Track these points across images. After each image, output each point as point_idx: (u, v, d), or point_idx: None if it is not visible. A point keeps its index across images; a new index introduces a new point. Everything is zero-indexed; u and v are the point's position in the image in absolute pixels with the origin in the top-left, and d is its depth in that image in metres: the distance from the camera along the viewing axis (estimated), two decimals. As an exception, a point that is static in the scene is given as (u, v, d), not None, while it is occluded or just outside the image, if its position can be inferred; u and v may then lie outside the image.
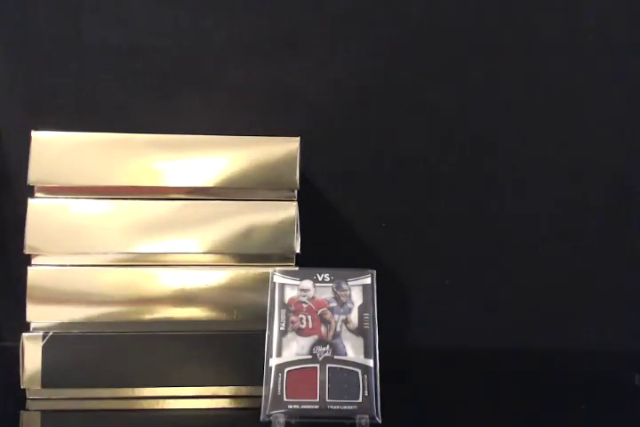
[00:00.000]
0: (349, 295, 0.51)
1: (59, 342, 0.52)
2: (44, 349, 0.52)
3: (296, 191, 0.56)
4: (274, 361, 0.49)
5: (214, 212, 0.54)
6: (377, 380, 0.49)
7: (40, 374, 0.52)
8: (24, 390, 0.53)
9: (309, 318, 0.50)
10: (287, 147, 0.55)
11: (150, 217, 0.53)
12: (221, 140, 0.55)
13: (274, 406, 0.47)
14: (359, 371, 0.49)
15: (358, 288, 0.52)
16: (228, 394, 0.54)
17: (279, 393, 0.48)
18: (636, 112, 0.70)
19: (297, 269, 0.53)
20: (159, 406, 0.53)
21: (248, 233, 0.54)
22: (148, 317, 0.53)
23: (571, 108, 0.70)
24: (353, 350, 0.49)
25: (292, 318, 0.50)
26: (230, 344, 0.54)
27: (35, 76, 0.66)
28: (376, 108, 0.69)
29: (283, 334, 0.50)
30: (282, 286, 0.51)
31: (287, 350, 0.49)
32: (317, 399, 0.48)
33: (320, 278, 0.52)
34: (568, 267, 0.70)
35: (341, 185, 0.69)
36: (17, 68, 0.66)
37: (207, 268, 0.54)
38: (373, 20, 0.68)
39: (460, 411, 0.54)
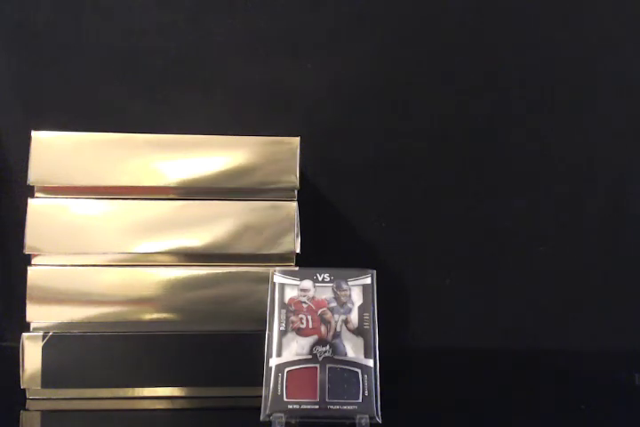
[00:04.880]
0: (349, 295, 0.51)
1: (59, 342, 0.52)
2: (44, 349, 0.52)
3: (296, 191, 0.56)
4: (274, 361, 0.49)
5: (214, 212, 0.54)
6: (377, 380, 0.49)
7: (40, 374, 0.52)
8: (24, 390, 0.53)
9: (309, 318, 0.50)
10: (287, 147, 0.55)
11: (150, 217, 0.53)
12: (221, 140, 0.55)
13: (274, 407, 0.47)
14: (359, 371, 0.49)
15: (358, 288, 0.52)
16: (227, 394, 0.54)
17: (279, 393, 0.48)
18: (636, 112, 0.70)
19: (297, 269, 0.53)
20: (159, 407, 0.53)
21: (248, 233, 0.54)
22: (147, 317, 0.53)
23: (571, 108, 0.70)
24: (353, 350, 0.49)
25: (292, 318, 0.50)
26: (230, 344, 0.54)
27: (35, 76, 0.66)
28: (376, 108, 0.69)
29: (283, 334, 0.50)
30: (282, 286, 0.51)
31: (287, 350, 0.49)
32: (317, 399, 0.48)
33: (320, 278, 0.52)
34: (568, 267, 0.70)
35: (341, 185, 0.69)
36: (17, 68, 0.66)
37: (207, 268, 0.54)
38: (373, 20, 0.68)
39: (460, 411, 0.54)
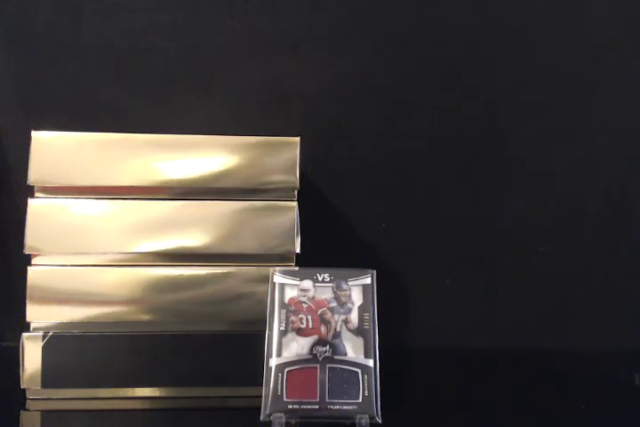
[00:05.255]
0: (349, 295, 0.51)
1: (59, 342, 0.52)
2: (44, 349, 0.52)
3: (296, 191, 0.56)
4: (274, 361, 0.49)
5: (214, 212, 0.54)
6: (377, 380, 0.49)
7: (40, 374, 0.52)
8: (24, 390, 0.53)
9: (309, 318, 0.50)
10: (287, 147, 0.55)
11: (150, 217, 0.53)
12: (221, 140, 0.55)
13: (274, 407, 0.47)
14: (359, 371, 0.49)
15: (358, 288, 0.52)
16: (228, 394, 0.54)
17: (279, 393, 0.48)
18: (636, 112, 0.70)
19: (297, 269, 0.53)
20: (159, 406, 0.53)
21: (248, 233, 0.54)
22: (147, 317, 0.53)
23: (571, 109, 0.70)
24: (353, 350, 0.49)
25: (292, 318, 0.50)
26: (230, 344, 0.54)
27: (35, 76, 0.66)
28: (376, 108, 0.69)
29: (283, 334, 0.50)
30: (282, 286, 0.51)
31: (287, 350, 0.49)
32: (317, 399, 0.48)
33: (320, 278, 0.52)
34: (568, 267, 0.70)
35: (341, 185, 0.69)
36: (17, 68, 0.66)
37: (207, 268, 0.54)
38: (373, 19, 0.68)
39: (459, 411, 0.54)
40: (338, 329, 0.50)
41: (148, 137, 0.54)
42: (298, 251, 0.54)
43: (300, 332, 0.50)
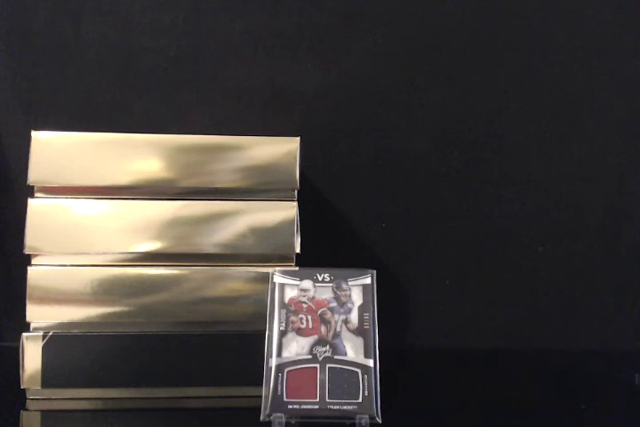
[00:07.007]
0: (349, 295, 0.51)
1: (59, 342, 0.52)
2: (44, 349, 0.52)
3: (296, 191, 0.56)
4: (274, 361, 0.49)
5: (214, 212, 0.54)
6: (377, 380, 0.49)
7: (40, 374, 0.52)
8: (24, 390, 0.53)
9: (309, 318, 0.50)
10: (287, 147, 0.55)
11: (150, 217, 0.53)
12: (221, 140, 0.55)
13: (274, 407, 0.47)
14: (359, 371, 0.49)
15: (358, 288, 0.52)
16: (227, 394, 0.54)
17: (279, 393, 0.48)
18: (636, 112, 0.70)
19: (297, 269, 0.53)
20: (159, 406, 0.53)
21: (248, 233, 0.54)
22: (147, 317, 0.53)
23: (571, 109, 0.70)
24: (353, 350, 0.49)
25: (292, 318, 0.50)
26: (230, 344, 0.54)
27: (35, 76, 0.66)
28: (376, 107, 0.69)
29: (283, 334, 0.50)
30: (282, 286, 0.51)
31: (287, 350, 0.49)
32: (317, 399, 0.48)
33: (320, 278, 0.52)
34: (568, 267, 0.70)
35: (341, 185, 0.69)
36: (17, 68, 0.66)
37: (207, 268, 0.54)
38: (374, 19, 0.68)
39: (459, 411, 0.54)
40: (338, 329, 0.50)
41: (148, 137, 0.54)
42: (298, 251, 0.54)
43: (300, 332, 0.50)
